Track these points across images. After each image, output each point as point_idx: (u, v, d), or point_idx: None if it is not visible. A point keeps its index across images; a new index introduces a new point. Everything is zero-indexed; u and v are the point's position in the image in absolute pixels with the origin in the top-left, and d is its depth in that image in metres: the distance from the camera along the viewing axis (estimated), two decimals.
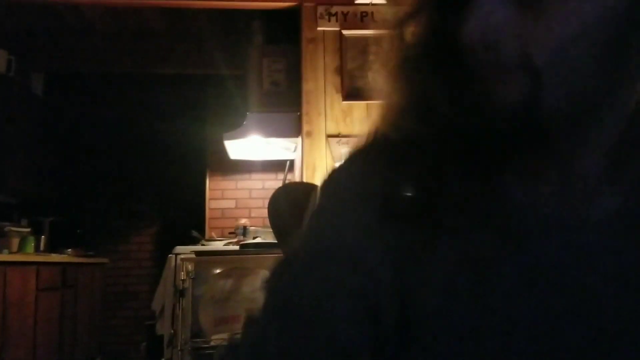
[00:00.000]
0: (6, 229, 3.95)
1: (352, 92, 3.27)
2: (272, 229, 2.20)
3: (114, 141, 5.53)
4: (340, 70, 3.29)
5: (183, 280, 2.95)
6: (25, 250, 4.08)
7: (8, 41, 4.24)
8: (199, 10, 3.87)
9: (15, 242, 3.95)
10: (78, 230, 5.15)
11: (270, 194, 4.65)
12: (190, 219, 5.00)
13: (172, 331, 3.00)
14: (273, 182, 4.63)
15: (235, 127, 3.79)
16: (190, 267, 2.99)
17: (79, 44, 4.45)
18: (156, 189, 5.50)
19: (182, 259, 2.97)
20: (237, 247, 3.23)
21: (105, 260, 5.31)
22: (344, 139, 3.22)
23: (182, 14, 4.01)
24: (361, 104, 3.26)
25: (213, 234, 4.17)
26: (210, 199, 4.69)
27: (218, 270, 3.10)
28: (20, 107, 4.39)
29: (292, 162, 4.31)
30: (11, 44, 4.24)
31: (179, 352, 2.85)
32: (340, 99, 3.27)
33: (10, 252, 3.81)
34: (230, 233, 4.18)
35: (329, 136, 3.23)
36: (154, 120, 5.48)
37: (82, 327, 4.76)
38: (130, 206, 5.48)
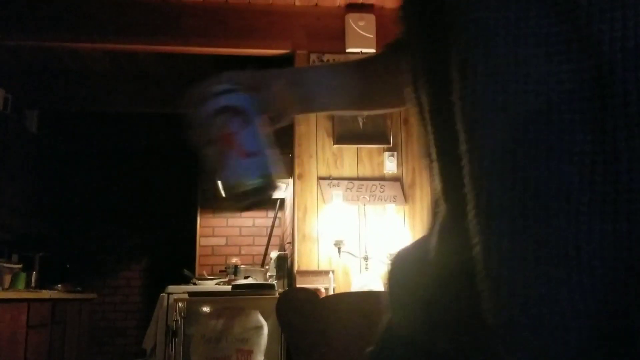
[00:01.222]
0: None
1: (343, 136, 3.39)
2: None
3: (106, 178, 5.60)
4: (331, 115, 3.43)
5: (176, 321, 3.00)
6: (17, 286, 4.09)
7: (5, 79, 4.33)
8: (193, 55, 4.00)
9: (7, 278, 3.97)
10: (67, 266, 5.17)
11: (260, 231, 4.75)
12: (180, 255, 5.05)
13: None
14: (263, 220, 4.72)
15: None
16: (182, 306, 3.05)
17: (74, 84, 4.55)
18: (146, 225, 5.55)
19: (175, 299, 3.02)
20: (228, 287, 3.29)
21: (93, 295, 5.32)
22: (334, 181, 3.33)
23: (177, 58, 4.14)
24: (351, 147, 3.39)
25: (204, 272, 4.22)
26: (201, 235, 4.76)
27: (209, 310, 3.15)
28: (15, 143, 4.46)
29: (282, 200, 4.41)
30: (8, 82, 4.33)
31: None
32: (332, 142, 3.39)
33: (3, 289, 3.83)
34: (221, 271, 4.24)
35: (320, 178, 3.34)
36: (145, 158, 5.57)
37: None
38: (120, 242, 5.52)
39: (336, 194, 3.28)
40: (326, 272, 3.15)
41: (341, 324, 2.33)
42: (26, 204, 4.59)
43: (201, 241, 4.73)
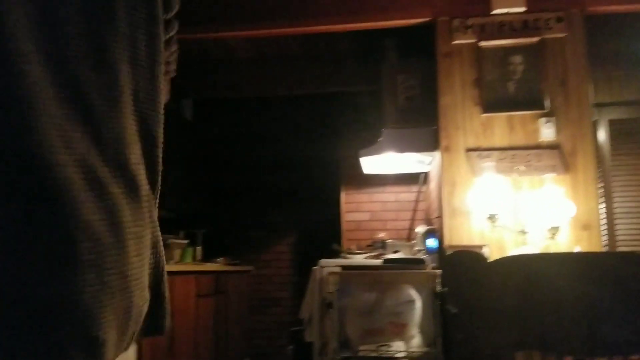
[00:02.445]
0: (169, 241, 4.40)
1: (492, 104, 3.23)
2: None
3: (255, 158, 5.92)
4: (478, 83, 3.28)
5: (330, 293, 3.10)
6: (185, 260, 4.51)
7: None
8: (331, 34, 4.04)
9: (177, 253, 4.39)
10: (226, 241, 5.59)
11: (403, 206, 4.72)
12: (326, 231, 5.21)
13: (322, 341, 3.16)
14: (407, 194, 4.69)
15: (370, 143, 3.91)
16: (335, 279, 3.14)
17: (222, 71, 4.83)
18: (293, 202, 5.79)
19: (329, 273, 3.12)
20: (379, 261, 3.33)
21: (250, 268, 5.70)
22: (484, 152, 3.20)
23: (317, 39, 4.20)
24: (502, 115, 3.22)
25: (352, 247, 4.31)
26: (346, 211, 4.85)
27: (361, 283, 3.21)
28: (174, 132, 4.87)
29: (426, 174, 4.34)
30: None
31: None
32: (480, 111, 3.25)
33: (175, 263, 4.24)
34: (368, 246, 4.30)
35: (468, 150, 3.22)
36: (291, 138, 5.79)
37: (233, 330, 5.15)
38: (270, 218, 5.83)
39: (487, 166, 3.15)
40: (479, 247, 3.05)
41: (507, 286, 2.25)
42: (187, 186, 5.01)
43: (346, 216, 4.83)
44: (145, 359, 3.47)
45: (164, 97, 0.79)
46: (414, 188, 4.57)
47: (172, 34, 0.85)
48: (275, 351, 5.56)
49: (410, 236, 4.34)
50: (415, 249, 3.78)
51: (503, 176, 3.13)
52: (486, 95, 3.24)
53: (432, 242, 3.38)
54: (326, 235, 5.09)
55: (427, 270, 3.05)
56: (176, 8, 0.82)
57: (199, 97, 5.18)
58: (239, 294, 5.41)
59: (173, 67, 0.92)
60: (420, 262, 3.09)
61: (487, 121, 3.24)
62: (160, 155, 0.78)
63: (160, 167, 0.78)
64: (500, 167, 3.15)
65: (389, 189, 4.77)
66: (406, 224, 4.51)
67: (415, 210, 4.41)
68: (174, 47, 0.88)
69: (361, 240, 4.69)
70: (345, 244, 4.73)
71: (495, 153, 3.18)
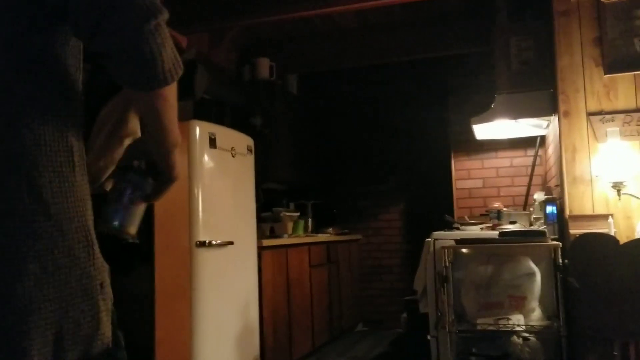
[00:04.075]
0: (281, 214, 4.58)
1: (616, 63, 2.99)
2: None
3: (361, 127, 5.93)
4: (600, 41, 3.04)
5: (445, 267, 3.10)
6: (298, 232, 4.69)
7: (269, 50, 4.84)
8: None
9: (290, 226, 4.56)
10: (334, 211, 5.71)
11: (518, 171, 4.54)
12: (436, 198, 5.16)
13: (438, 313, 3.18)
14: (522, 159, 4.49)
15: (482, 108, 3.79)
16: (449, 252, 3.13)
17: (326, 44, 4.85)
18: (403, 170, 5.77)
19: (443, 247, 3.10)
20: (494, 233, 3.26)
21: (359, 236, 5.80)
22: (608, 116, 2.99)
23: (422, 4, 4.07)
24: (627, 75, 2.98)
25: (465, 217, 4.24)
26: (457, 179, 4.76)
27: (477, 256, 3.17)
28: (281, 105, 4.99)
29: (542, 137, 4.13)
30: (271, 52, 4.83)
31: (448, 335, 3.02)
32: (602, 72, 3.02)
33: (289, 236, 4.42)
34: (481, 214, 4.21)
35: (590, 114, 3.02)
36: (398, 105, 5.74)
37: (345, 298, 5.31)
38: (379, 187, 5.85)
39: (611, 131, 2.94)
40: (604, 217, 2.89)
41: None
42: (295, 158, 5.15)
43: (457, 184, 4.73)
44: (266, 326, 3.70)
45: None
46: (530, 152, 4.36)
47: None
48: (388, 318, 5.67)
49: (526, 203, 4.18)
50: (533, 217, 3.64)
51: (629, 141, 2.91)
52: (609, 54, 3.00)
53: (551, 210, 3.24)
54: (437, 203, 5.03)
55: (549, 243, 2.94)
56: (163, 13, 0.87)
57: (304, 71, 5.25)
58: (350, 263, 5.54)
59: None
60: (541, 234, 2.98)
61: (610, 82, 3.01)
62: None
63: None
64: (625, 132, 2.93)
65: (502, 153, 4.59)
66: (522, 190, 4.33)
67: (532, 176, 4.21)
68: None
69: (473, 208, 4.59)
70: (457, 213, 4.65)
71: (620, 117, 2.96)
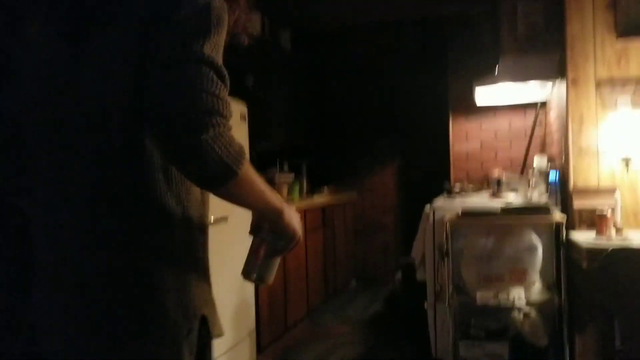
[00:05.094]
0: (275, 177, 4.48)
1: (630, 27, 2.85)
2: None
3: (357, 85, 5.76)
4: (613, 4, 2.88)
5: (447, 241, 3.04)
6: (293, 195, 4.60)
7: (261, 4, 4.58)
8: None
9: (285, 189, 4.47)
10: (329, 169, 5.62)
11: (517, 134, 4.44)
12: (433, 159, 5.07)
13: (437, 284, 3.15)
14: (521, 122, 4.39)
15: (483, 70, 3.65)
16: (450, 225, 3.07)
17: (322, 2, 4.60)
18: (398, 128, 5.65)
19: (445, 220, 3.04)
20: (496, 203, 3.19)
21: (354, 195, 5.74)
22: (618, 85, 2.86)
23: None
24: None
25: (463, 182, 4.16)
26: (454, 140, 4.65)
27: (477, 227, 3.11)
28: (273, 63, 4.79)
29: (544, 103, 4.02)
30: (264, 6, 4.58)
31: (447, 308, 3.00)
32: (613, 38, 2.88)
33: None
34: (480, 182, 4.14)
35: (599, 82, 2.90)
36: (397, 65, 5.55)
37: (340, 258, 5.30)
38: (374, 146, 5.75)
39: (621, 100, 2.83)
40: (610, 191, 2.82)
41: None
42: (288, 117, 5.00)
43: (454, 146, 4.63)
44: (262, 300, 3.65)
45: None
46: (529, 113, 4.25)
47: None
48: (381, 274, 5.69)
49: (524, 167, 4.10)
50: (533, 183, 3.57)
51: None
52: (622, 17, 2.85)
53: (554, 180, 3.17)
54: (433, 164, 4.95)
55: (554, 220, 2.88)
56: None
57: (297, 28, 5.01)
58: (344, 224, 5.50)
59: None
60: (546, 210, 2.92)
61: (622, 48, 2.87)
62: None
63: None
64: (637, 101, 2.82)
65: (501, 115, 4.48)
66: (520, 153, 4.25)
67: (531, 139, 4.12)
68: None
69: (470, 171, 4.52)
70: (454, 175, 4.58)
71: (632, 85, 2.84)
